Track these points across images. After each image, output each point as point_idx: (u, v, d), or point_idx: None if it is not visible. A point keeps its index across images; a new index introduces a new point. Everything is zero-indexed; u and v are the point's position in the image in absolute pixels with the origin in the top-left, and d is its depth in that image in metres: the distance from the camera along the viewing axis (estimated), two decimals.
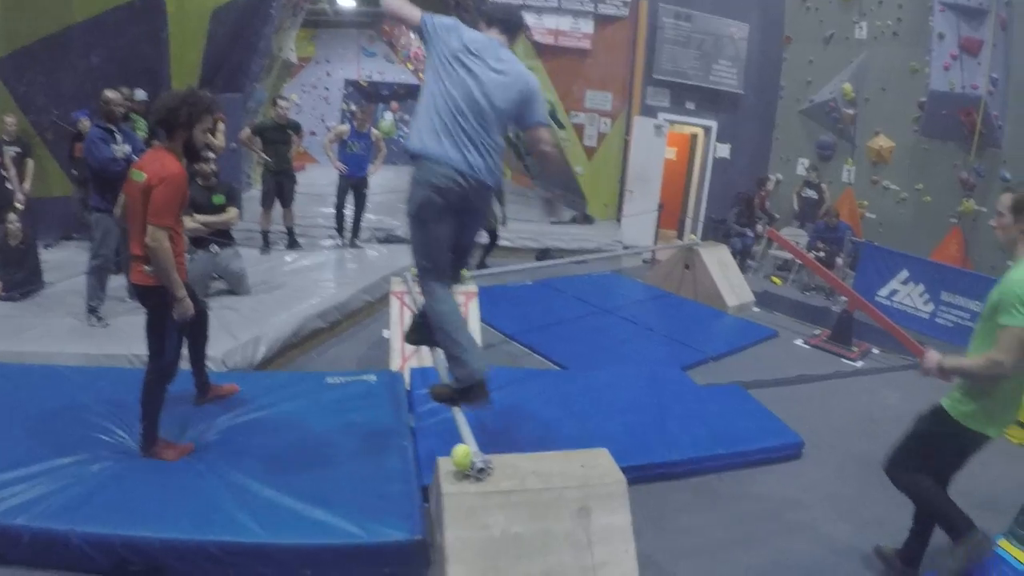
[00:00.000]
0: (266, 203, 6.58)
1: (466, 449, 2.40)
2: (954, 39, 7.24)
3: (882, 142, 8.60)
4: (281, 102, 6.65)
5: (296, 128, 6.62)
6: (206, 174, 5.12)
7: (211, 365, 3.72)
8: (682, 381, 4.48)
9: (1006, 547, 2.84)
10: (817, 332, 6.20)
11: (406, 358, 4.38)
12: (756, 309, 6.94)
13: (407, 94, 15.93)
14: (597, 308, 6.28)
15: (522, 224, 8.55)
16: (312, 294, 5.37)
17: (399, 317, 4.51)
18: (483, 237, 6.84)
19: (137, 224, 2.78)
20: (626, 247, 8.71)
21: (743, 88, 9.69)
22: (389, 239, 7.75)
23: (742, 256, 8.37)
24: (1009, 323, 2.29)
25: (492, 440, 2.99)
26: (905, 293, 6.46)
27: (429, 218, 2.62)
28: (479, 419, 3.24)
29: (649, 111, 9.55)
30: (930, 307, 6.27)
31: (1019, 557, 2.76)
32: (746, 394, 4.37)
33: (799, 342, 6.06)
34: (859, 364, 5.58)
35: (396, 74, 15.74)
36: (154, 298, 2.84)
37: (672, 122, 9.68)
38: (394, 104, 16.05)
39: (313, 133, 15.71)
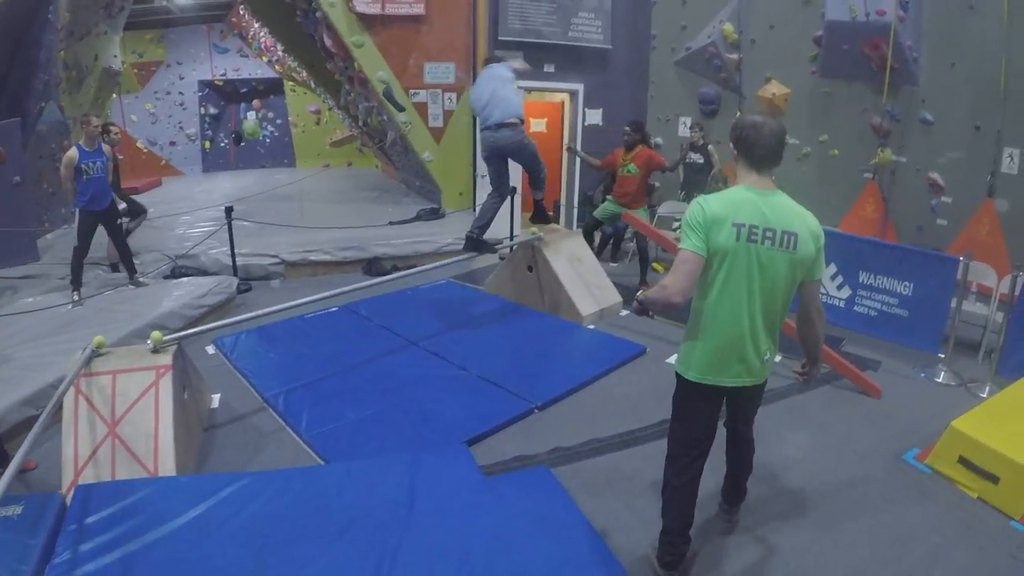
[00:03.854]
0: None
1: None
2: None
3: (775, 89, 7.23)
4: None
5: None
6: None
7: None
8: (459, 473, 2.94)
9: None
10: None
11: (79, 470, 2.88)
12: (625, 313, 5.31)
13: (267, 90, 14.13)
14: (404, 340, 4.78)
15: (343, 231, 6.97)
16: (32, 368, 3.79)
17: (72, 422, 2.93)
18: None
19: None
20: None
21: (610, 42, 8.26)
22: (177, 272, 6.13)
23: (615, 242, 6.96)
24: (679, 246, 2.14)
25: None
26: None
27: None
28: None
29: None
30: (846, 292, 4.89)
31: None
32: (555, 486, 2.86)
33: (674, 359, 4.47)
34: None
35: (252, 69, 13.92)
36: None
37: (529, 89, 8.17)
38: (256, 102, 14.19)
39: (173, 143, 13.95)
